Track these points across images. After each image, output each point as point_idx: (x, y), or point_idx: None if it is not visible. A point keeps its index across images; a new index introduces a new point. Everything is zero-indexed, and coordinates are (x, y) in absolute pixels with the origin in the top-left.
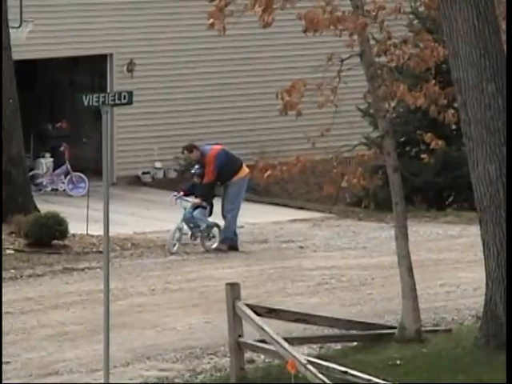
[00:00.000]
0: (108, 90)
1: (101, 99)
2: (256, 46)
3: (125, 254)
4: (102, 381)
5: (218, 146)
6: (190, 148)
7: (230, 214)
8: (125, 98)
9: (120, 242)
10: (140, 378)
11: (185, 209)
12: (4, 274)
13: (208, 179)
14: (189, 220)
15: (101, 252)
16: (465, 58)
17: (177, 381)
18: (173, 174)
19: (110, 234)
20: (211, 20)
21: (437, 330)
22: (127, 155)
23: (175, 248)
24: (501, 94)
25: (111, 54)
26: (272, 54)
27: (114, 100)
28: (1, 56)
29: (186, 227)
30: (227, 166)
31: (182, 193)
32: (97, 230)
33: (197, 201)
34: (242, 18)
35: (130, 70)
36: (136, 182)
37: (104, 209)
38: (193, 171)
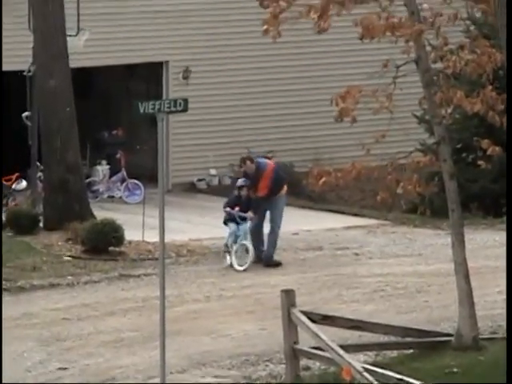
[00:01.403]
0: (164, 98)
1: (156, 106)
2: (311, 53)
3: (180, 260)
4: None
5: (272, 161)
6: (250, 159)
7: (278, 227)
8: (180, 105)
9: (175, 249)
10: None
11: (237, 223)
12: (61, 281)
13: (264, 193)
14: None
15: (156, 259)
16: None
17: None
18: (227, 181)
19: (166, 240)
20: (265, 26)
21: (494, 338)
22: (183, 162)
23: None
24: None
25: (167, 62)
26: (327, 60)
27: (170, 107)
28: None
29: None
30: (278, 182)
31: (237, 208)
32: (152, 237)
33: (253, 215)
34: (296, 24)
35: (185, 77)
36: (191, 188)
37: (159, 215)
38: (239, 184)
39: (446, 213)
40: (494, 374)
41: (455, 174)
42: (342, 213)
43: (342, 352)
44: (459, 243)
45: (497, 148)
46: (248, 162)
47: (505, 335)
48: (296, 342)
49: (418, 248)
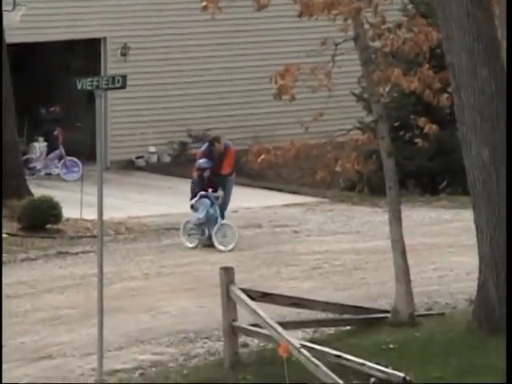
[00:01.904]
0: (102, 74)
1: (94, 83)
2: (250, 31)
3: (118, 238)
4: (95, 364)
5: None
6: (218, 140)
7: (227, 205)
8: (118, 82)
9: (114, 227)
10: (134, 361)
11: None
12: None
13: (228, 171)
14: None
15: (95, 236)
16: (458, 43)
17: (171, 365)
18: (167, 159)
19: (104, 218)
20: (204, 3)
21: (430, 314)
22: (121, 139)
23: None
24: (494, 78)
25: (105, 38)
26: (266, 38)
27: (108, 84)
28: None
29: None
30: (236, 161)
31: (210, 190)
32: (91, 215)
33: (223, 193)
34: (236, 1)
35: (123, 54)
36: (130, 166)
37: (98, 193)
38: (202, 166)
39: (383, 190)
40: (428, 349)
41: (393, 151)
42: (281, 190)
43: (280, 329)
44: (396, 220)
45: (433, 126)
46: (217, 144)
47: (440, 311)
48: (234, 320)
49: (355, 225)
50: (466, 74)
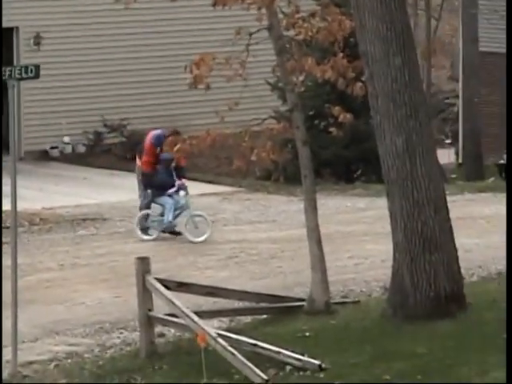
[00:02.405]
0: (14, 64)
1: (7, 73)
2: (165, 20)
3: (33, 229)
4: (9, 356)
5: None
6: (179, 132)
7: None
8: (31, 72)
9: (28, 218)
10: (49, 353)
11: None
12: None
13: (184, 162)
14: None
15: (8, 227)
16: (371, 32)
17: (86, 355)
18: (81, 149)
19: (18, 209)
20: None
21: (345, 302)
22: (35, 129)
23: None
24: (407, 67)
25: (17, 27)
26: (181, 27)
27: (21, 74)
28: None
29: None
30: None
31: (183, 180)
32: (4, 205)
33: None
34: None
35: (36, 44)
36: (44, 156)
37: (11, 183)
38: (168, 158)
39: (299, 179)
40: (344, 337)
41: (308, 140)
42: (197, 180)
43: (196, 318)
44: (312, 209)
45: (348, 115)
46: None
47: (356, 299)
48: (150, 310)
49: (271, 214)
50: (380, 62)
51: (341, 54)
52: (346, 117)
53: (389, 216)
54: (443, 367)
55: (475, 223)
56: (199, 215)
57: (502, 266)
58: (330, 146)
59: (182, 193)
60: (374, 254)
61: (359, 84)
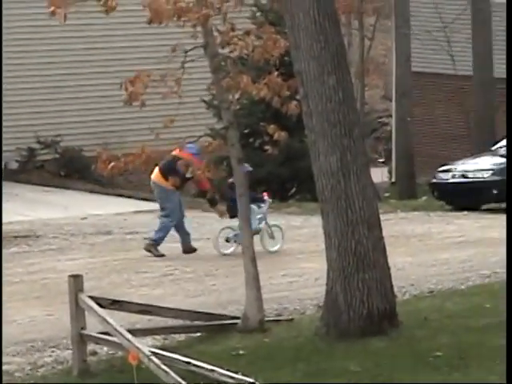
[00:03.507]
0: None
1: None
2: (101, 36)
3: None
4: None
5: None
6: None
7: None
8: None
9: None
10: None
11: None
12: None
13: None
14: None
15: None
16: (306, 51)
17: (17, 374)
18: (14, 165)
19: None
20: (52, 8)
21: (279, 320)
22: None
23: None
24: (341, 86)
25: None
26: (116, 44)
27: None
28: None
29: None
30: None
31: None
32: None
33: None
34: (84, 7)
35: None
36: None
37: None
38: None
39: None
40: (278, 355)
41: (243, 158)
42: (132, 197)
43: (129, 336)
44: (246, 227)
45: (282, 133)
46: None
47: (290, 317)
48: (83, 328)
49: (206, 232)
50: (314, 81)
51: (276, 73)
52: (280, 135)
53: (323, 234)
54: None
55: (408, 241)
56: (275, 225)
57: (433, 284)
58: (264, 164)
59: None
60: (308, 272)
61: (294, 102)
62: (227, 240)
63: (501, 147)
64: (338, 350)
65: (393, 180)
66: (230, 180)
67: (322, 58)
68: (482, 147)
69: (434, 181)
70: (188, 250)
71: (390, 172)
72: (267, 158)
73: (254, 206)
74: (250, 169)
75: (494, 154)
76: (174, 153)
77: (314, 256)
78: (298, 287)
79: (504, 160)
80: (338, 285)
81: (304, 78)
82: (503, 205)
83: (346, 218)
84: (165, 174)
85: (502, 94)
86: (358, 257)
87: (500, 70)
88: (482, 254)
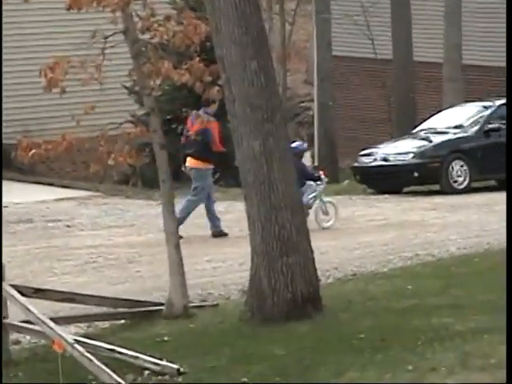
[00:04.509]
0: None
1: None
2: (19, 23)
3: None
4: None
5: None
6: None
7: None
8: None
9: None
10: None
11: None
12: None
13: None
14: None
15: None
16: (227, 36)
17: None
18: None
19: None
20: None
21: (204, 306)
22: None
23: None
24: (263, 71)
25: None
26: (35, 30)
27: None
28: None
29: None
30: None
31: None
32: None
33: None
34: None
35: None
36: None
37: None
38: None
39: (157, 183)
40: (202, 340)
41: (165, 144)
42: (53, 185)
43: (52, 324)
44: (170, 213)
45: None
46: None
47: (214, 302)
48: (5, 317)
49: (129, 219)
50: (236, 67)
51: (197, 58)
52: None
53: (247, 219)
54: (301, 368)
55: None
56: (329, 202)
57: (356, 267)
58: (188, 150)
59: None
60: (232, 258)
61: (216, 88)
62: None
63: (421, 130)
64: (262, 334)
65: (315, 164)
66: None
67: (244, 43)
68: (403, 131)
69: (356, 165)
70: (217, 234)
71: (312, 156)
72: (190, 144)
73: (311, 183)
74: (306, 147)
75: (415, 137)
76: (191, 133)
77: (238, 241)
78: (223, 272)
79: (424, 143)
80: (262, 269)
81: (226, 63)
82: (423, 187)
83: (270, 203)
84: (198, 156)
85: (421, 78)
86: (281, 241)
87: (419, 53)
88: (404, 236)
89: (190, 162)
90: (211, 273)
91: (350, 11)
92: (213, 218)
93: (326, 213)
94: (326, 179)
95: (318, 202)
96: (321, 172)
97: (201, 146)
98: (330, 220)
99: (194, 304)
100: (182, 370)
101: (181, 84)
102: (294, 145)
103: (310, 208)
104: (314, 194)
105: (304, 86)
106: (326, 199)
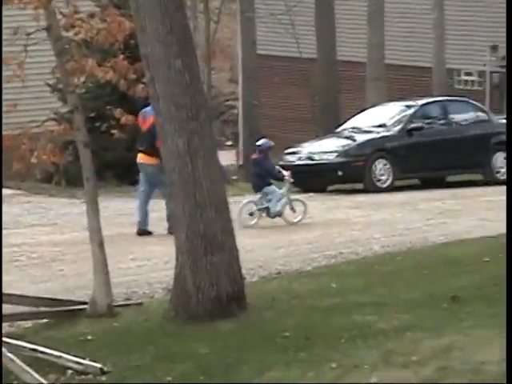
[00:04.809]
0: None
1: None
2: None
3: None
4: None
5: None
6: None
7: None
8: None
9: None
10: None
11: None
12: None
13: None
14: None
15: None
16: (152, 34)
17: None
18: None
19: None
20: None
21: (128, 304)
22: None
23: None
24: (187, 69)
25: None
26: None
27: None
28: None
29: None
30: None
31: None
32: None
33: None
34: None
35: None
36: None
37: None
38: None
39: (81, 181)
40: (126, 339)
41: (89, 142)
42: None
43: None
44: (93, 212)
45: (130, 117)
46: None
47: (138, 301)
48: None
49: (53, 217)
50: (160, 65)
51: (122, 56)
52: (127, 119)
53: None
54: (225, 367)
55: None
56: (297, 199)
57: (281, 265)
58: (112, 147)
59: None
60: (157, 256)
61: (141, 86)
62: (251, 214)
63: (345, 129)
64: (186, 332)
65: (240, 163)
66: (254, 156)
67: (168, 41)
68: (327, 129)
69: (281, 163)
70: (142, 232)
71: (237, 155)
72: (114, 142)
73: (277, 190)
74: (272, 144)
75: (339, 136)
76: (144, 129)
77: (163, 239)
78: (147, 271)
79: (348, 142)
80: (187, 268)
81: (150, 61)
82: (347, 186)
83: (194, 201)
84: (151, 152)
85: (345, 77)
86: (206, 239)
87: (343, 52)
88: (329, 234)
89: (143, 158)
90: (136, 271)
91: (275, 10)
92: (144, 213)
93: (293, 210)
94: (292, 179)
95: (285, 199)
96: (287, 172)
97: (152, 142)
98: (298, 217)
99: (118, 303)
100: (105, 369)
101: (105, 82)
102: (259, 142)
103: (280, 216)
104: (282, 201)
105: (229, 84)
106: (295, 197)
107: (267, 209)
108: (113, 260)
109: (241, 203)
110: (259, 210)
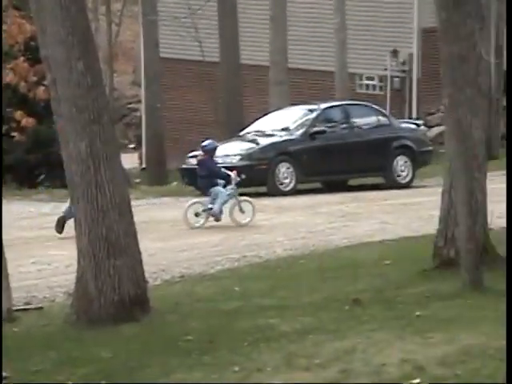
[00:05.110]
0: None
1: None
2: None
3: None
4: None
5: None
6: None
7: None
8: None
9: None
10: None
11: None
12: None
13: None
14: None
15: None
16: (52, 36)
17: None
18: None
19: None
20: None
21: (28, 309)
22: None
23: None
24: (89, 71)
25: None
26: None
27: None
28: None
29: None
30: None
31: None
32: None
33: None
34: None
35: None
36: None
37: None
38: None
39: None
40: (26, 344)
41: None
42: None
43: None
44: None
45: (30, 119)
46: None
47: (39, 305)
48: None
49: None
50: (62, 67)
51: (22, 58)
52: (28, 121)
53: (73, 221)
54: (127, 370)
55: (159, 227)
56: (245, 200)
57: (184, 269)
58: (12, 150)
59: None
60: (58, 260)
61: (42, 88)
62: (196, 214)
63: (248, 133)
64: (88, 337)
65: (143, 166)
66: (199, 157)
67: (69, 42)
68: (231, 133)
69: (184, 166)
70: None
71: (140, 158)
72: (15, 145)
73: (223, 191)
74: (217, 144)
75: (242, 139)
76: None
77: (64, 243)
78: (48, 275)
79: (252, 145)
80: (89, 271)
81: (51, 63)
82: (250, 189)
83: (97, 204)
84: None
85: (249, 80)
86: (108, 243)
87: (246, 56)
88: (232, 238)
89: None
90: (36, 275)
91: (177, 13)
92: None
93: (242, 211)
94: (238, 178)
95: (233, 199)
96: (233, 172)
97: None
98: (247, 217)
99: (18, 307)
100: (4, 374)
101: (5, 84)
102: (205, 143)
103: (218, 221)
104: (225, 204)
105: (132, 87)
106: (243, 198)
107: (210, 210)
108: (13, 264)
109: (186, 203)
110: (203, 210)
